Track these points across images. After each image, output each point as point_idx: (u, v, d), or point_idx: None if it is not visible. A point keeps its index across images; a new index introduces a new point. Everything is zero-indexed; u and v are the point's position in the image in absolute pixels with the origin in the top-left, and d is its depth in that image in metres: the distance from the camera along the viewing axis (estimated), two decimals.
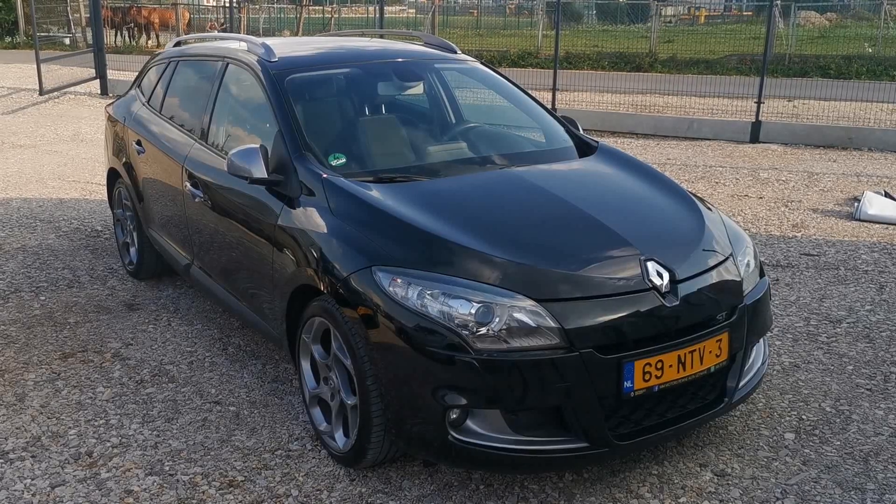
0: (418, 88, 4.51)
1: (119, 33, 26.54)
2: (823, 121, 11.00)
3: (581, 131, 4.32)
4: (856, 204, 7.16)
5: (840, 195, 7.72)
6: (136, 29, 26.69)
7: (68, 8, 24.57)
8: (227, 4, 16.70)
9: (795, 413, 3.63)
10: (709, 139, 10.88)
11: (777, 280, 5.33)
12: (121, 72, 15.85)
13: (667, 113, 12.09)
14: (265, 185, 3.56)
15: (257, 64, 4.04)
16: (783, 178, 8.46)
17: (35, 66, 14.35)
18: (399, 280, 2.89)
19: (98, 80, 15.06)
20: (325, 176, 3.40)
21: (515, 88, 4.56)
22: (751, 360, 3.35)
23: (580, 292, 2.88)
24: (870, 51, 19.24)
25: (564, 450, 2.84)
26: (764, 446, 3.37)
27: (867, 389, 3.85)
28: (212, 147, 4.19)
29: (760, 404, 3.69)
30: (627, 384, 2.83)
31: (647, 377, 2.86)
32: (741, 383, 3.24)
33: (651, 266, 2.98)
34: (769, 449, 3.35)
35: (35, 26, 15.57)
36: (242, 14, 24.90)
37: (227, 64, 4.35)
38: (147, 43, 26.28)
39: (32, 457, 3.31)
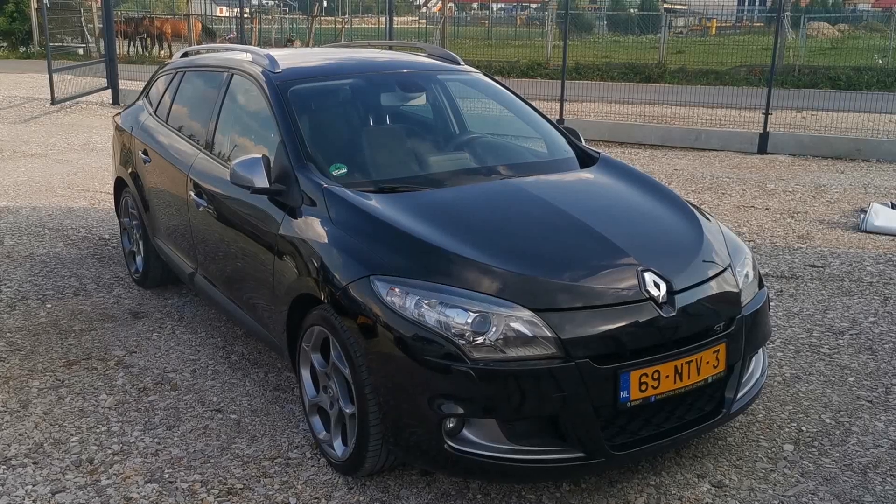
0: (421, 99, 4.54)
1: (132, 44, 26.79)
2: (832, 132, 10.99)
3: (583, 142, 4.34)
4: (862, 215, 7.15)
5: (847, 206, 7.70)
6: (148, 39, 26.92)
7: (82, 19, 24.79)
8: (239, 15, 16.80)
9: (795, 424, 3.62)
10: (716, 150, 10.89)
11: (781, 291, 5.32)
12: (133, 82, 15.99)
13: (675, 124, 12.09)
14: (267, 194, 3.59)
15: (261, 75, 4.08)
16: (790, 189, 8.45)
17: (47, 75, 14.49)
18: (397, 289, 2.91)
19: (110, 90, 15.19)
20: (325, 186, 3.42)
21: (518, 99, 4.58)
22: (750, 370, 3.35)
23: (577, 302, 2.89)
24: (880, 62, 19.20)
25: (561, 459, 2.85)
26: (762, 458, 3.37)
27: (868, 401, 3.84)
28: (216, 157, 4.23)
29: (760, 415, 3.69)
30: (624, 394, 2.84)
31: (643, 387, 2.87)
32: (739, 394, 3.23)
33: (648, 276, 2.99)
34: (768, 460, 3.35)
35: (48, 36, 15.73)
36: (254, 25, 25.08)
37: (232, 75, 4.39)
38: (160, 53, 26.48)
39: (34, 463, 3.34)
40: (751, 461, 3.34)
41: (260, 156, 3.59)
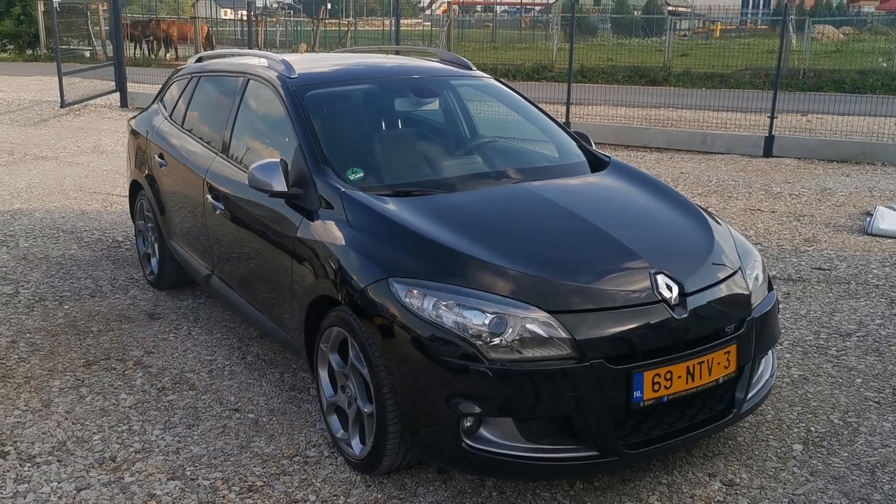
0: (434, 104, 4.61)
1: (138, 46, 26.92)
2: (837, 135, 11.04)
3: (593, 146, 4.40)
4: (868, 218, 7.20)
5: (852, 210, 7.76)
6: (155, 42, 27.04)
7: (88, 22, 24.93)
8: (245, 18, 16.90)
9: (804, 425, 3.68)
10: (722, 153, 10.94)
11: (788, 294, 5.38)
12: (140, 84, 16.10)
13: (680, 127, 12.15)
14: (285, 198, 3.66)
15: (277, 80, 4.15)
16: (796, 193, 8.51)
17: (56, 78, 14.61)
18: (415, 291, 2.97)
19: (118, 93, 15.29)
20: (343, 190, 3.49)
21: (529, 104, 4.65)
22: (759, 371, 3.41)
23: (591, 304, 2.95)
24: (884, 65, 19.24)
25: (575, 458, 2.91)
26: (772, 457, 3.43)
27: (875, 402, 3.90)
28: (233, 161, 4.30)
29: (769, 416, 3.75)
30: (637, 394, 2.90)
31: (656, 387, 2.93)
32: (749, 395, 3.29)
33: (661, 279, 3.06)
34: (777, 460, 3.41)
35: (57, 39, 15.83)
36: (260, 27, 25.18)
37: (248, 80, 4.46)
38: (166, 56, 26.60)
39: (58, 461, 3.41)
40: (761, 460, 3.40)
41: (278, 160, 3.65)
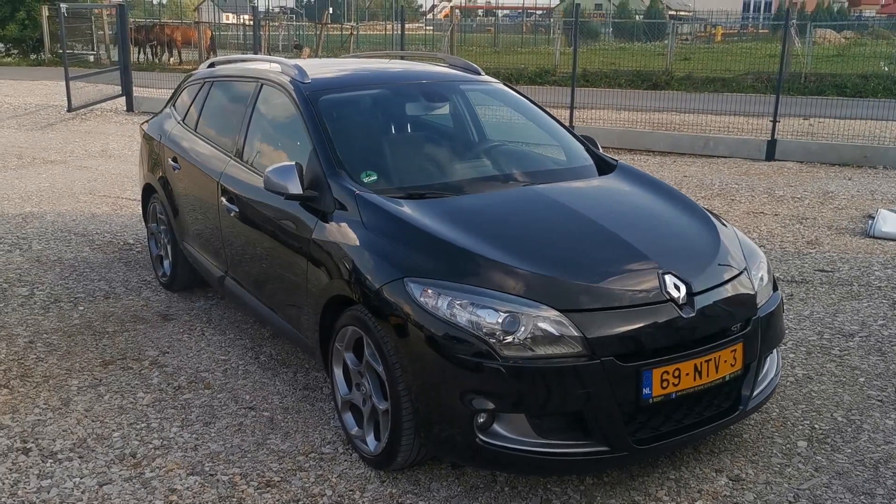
0: (444, 109, 4.69)
1: (142, 50, 27.06)
2: (839, 139, 11.13)
3: (600, 150, 4.48)
4: (870, 221, 7.28)
5: (854, 212, 7.84)
6: (159, 46, 27.17)
7: (93, 26, 25.05)
8: (246, 23, 17.02)
9: (808, 422, 3.76)
10: (725, 157, 11.03)
11: (791, 295, 5.46)
12: (145, 89, 16.21)
13: (683, 131, 12.23)
14: (300, 200, 3.74)
15: (290, 85, 4.23)
16: (798, 196, 8.59)
17: (61, 82, 14.73)
18: (430, 291, 3.05)
19: (124, 97, 15.39)
20: (357, 192, 3.57)
21: (537, 108, 4.73)
22: (764, 370, 3.49)
23: (601, 303, 3.03)
24: (886, 69, 19.33)
25: (586, 453, 2.99)
26: (777, 453, 3.50)
27: (878, 400, 3.98)
28: (247, 164, 4.38)
29: (774, 413, 3.83)
30: (646, 391, 2.98)
31: (664, 384, 3.01)
32: (755, 392, 3.37)
33: (669, 279, 3.14)
34: (782, 456, 3.48)
35: (64, 45, 15.95)
36: (263, 32, 25.29)
37: (262, 85, 4.54)
38: (169, 60, 26.72)
39: (80, 457, 3.49)
40: (766, 456, 3.48)
41: (293, 163, 3.73)
